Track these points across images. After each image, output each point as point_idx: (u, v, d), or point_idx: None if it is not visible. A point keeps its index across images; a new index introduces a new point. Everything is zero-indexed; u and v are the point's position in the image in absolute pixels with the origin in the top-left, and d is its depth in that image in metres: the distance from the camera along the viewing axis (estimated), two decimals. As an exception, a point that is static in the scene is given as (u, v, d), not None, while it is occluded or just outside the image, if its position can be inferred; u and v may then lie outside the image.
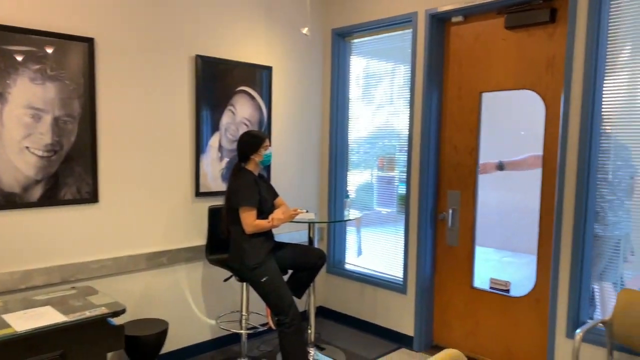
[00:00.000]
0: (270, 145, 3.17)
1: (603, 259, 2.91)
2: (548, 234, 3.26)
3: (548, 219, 3.25)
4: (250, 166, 3.15)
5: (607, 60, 2.83)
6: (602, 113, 2.84)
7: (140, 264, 3.24)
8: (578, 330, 2.54)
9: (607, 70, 2.83)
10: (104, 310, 2.49)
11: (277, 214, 3.09)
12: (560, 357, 3.02)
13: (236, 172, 3.13)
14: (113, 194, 3.12)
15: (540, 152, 3.31)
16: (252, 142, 3.12)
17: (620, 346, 2.72)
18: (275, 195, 3.37)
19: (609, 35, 2.81)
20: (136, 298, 3.27)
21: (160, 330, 3.04)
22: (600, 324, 2.65)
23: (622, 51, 2.77)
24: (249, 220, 3.01)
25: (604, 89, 2.84)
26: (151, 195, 3.30)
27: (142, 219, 3.27)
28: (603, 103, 2.84)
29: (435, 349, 3.84)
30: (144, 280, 3.30)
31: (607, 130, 2.83)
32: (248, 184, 3.04)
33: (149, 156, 3.27)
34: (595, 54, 2.82)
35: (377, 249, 4.17)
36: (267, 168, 3.95)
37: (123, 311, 2.53)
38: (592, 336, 2.85)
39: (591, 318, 2.96)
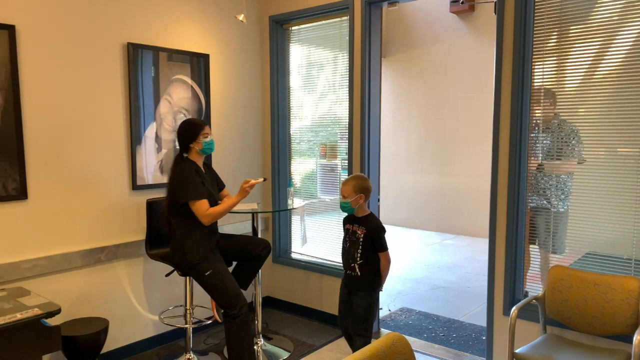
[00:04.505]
0: (210, 133, 3.08)
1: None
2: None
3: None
4: (192, 156, 3.05)
5: (534, 46, 2.93)
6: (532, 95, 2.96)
7: (76, 262, 3.11)
8: (513, 308, 2.65)
9: (535, 55, 2.94)
10: (37, 311, 2.39)
11: (229, 198, 3.19)
12: (499, 334, 3.15)
13: (177, 164, 3.02)
14: (43, 189, 2.97)
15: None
16: (190, 131, 3.01)
17: (552, 321, 2.86)
18: (222, 185, 3.30)
19: (535, 22, 2.92)
20: (73, 297, 3.14)
21: (99, 329, 2.94)
22: (534, 301, 2.77)
23: (550, 38, 2.88)
24: (202, 211, 2.91)
25: (533, 73, 2.95)
26: (84, 189, 3.16)
27: (76, 215, 3.13)
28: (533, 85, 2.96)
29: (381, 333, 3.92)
30: (80, 279, 3.17)
31: (536, 113, 2.95)
32: (189, 176, 2.94)
33: (81, 149, 3.13)
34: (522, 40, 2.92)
35: (322, 236, 4.19)
36: (208, 157, 3.87)
37: (58, 311, 2.44)
38: (528, 313, 2.97)
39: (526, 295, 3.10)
